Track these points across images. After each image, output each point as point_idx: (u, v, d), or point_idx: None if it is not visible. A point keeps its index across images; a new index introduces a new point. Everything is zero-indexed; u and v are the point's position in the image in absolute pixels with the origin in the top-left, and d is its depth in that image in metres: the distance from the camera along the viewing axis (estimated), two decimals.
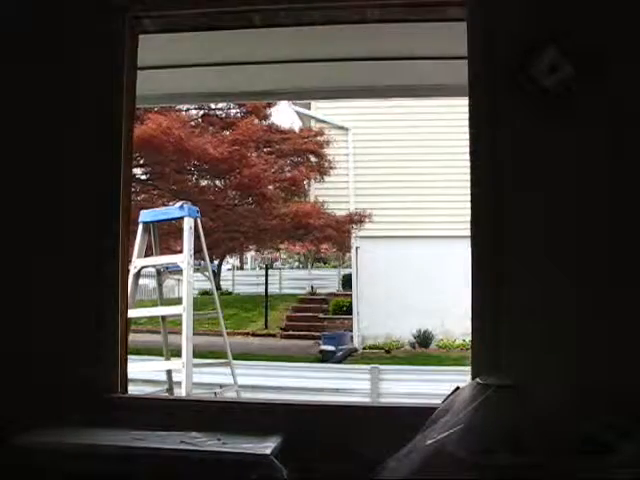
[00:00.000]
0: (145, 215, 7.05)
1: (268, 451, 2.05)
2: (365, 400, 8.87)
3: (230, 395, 7.16)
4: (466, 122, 2.28)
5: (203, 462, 2.05)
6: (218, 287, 15.25)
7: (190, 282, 6.73)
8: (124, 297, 2.46)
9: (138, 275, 6.91)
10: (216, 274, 16.09)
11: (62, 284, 2.44)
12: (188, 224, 6.81)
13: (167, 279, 8.53)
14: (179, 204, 7.06)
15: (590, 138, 2.19)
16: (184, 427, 2.22)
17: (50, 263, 2.45)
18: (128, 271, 2.64)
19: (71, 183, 2.47)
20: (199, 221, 7.12)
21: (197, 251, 7.21)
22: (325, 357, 12.92)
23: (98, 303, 2.40)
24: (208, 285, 8.72)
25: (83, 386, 2.35)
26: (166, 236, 10.19)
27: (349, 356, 13.40)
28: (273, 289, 17.90)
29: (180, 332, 6.55)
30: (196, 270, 7.40)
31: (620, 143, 2.18)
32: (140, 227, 6.85)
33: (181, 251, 6.85)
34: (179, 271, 7.03)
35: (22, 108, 2.51)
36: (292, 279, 19.55)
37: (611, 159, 2.18)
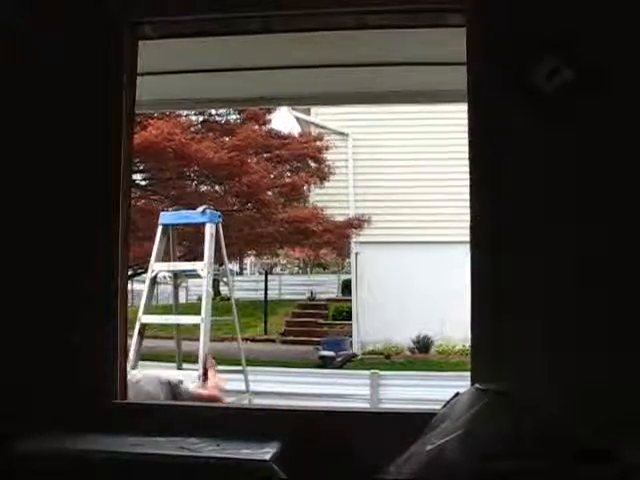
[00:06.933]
0: (165, 217, 6.75)
1: (267, 457, 2.04)
2: (365, 406, 8.84)
3: (243, 402, 7.05)
4: (465, 127, 2.28)
5: (202, 468, 2.05)
6: (217, 293, 15.21)
7: (209, 291, 6.46)
8: (123, 303, 2.46)
9: (155, 279, 6.62)
10: (215, 280, 16.04)
11: (62, 290, 2.43)
12: (210, 230, 6.47)
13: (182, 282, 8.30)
14: (201, 209, 6.70)
15: (591, 142, 2.19)
16: (183, 433, 2.22)
17: (49, 269, 2.45)
18: (127, 276, 2.63)
19: (69, 188, 2.46)
20: (220, 227, 6.79)
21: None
22: (324, 363, 12.90)
23: (98, 310, 2.40)
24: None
25: (82, 392, 2.35)
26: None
27: (348, 362, 13.39)
28: (272, 294, 17.90)
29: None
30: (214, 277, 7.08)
31: (621, 146, 2.18)
32: (159, 229, 6.55)
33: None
34: (196, 275, 6.76)
35: (19, 115, 2.50)
36: (292, 284, 19.55)
37: (612, 163, 2.18)
